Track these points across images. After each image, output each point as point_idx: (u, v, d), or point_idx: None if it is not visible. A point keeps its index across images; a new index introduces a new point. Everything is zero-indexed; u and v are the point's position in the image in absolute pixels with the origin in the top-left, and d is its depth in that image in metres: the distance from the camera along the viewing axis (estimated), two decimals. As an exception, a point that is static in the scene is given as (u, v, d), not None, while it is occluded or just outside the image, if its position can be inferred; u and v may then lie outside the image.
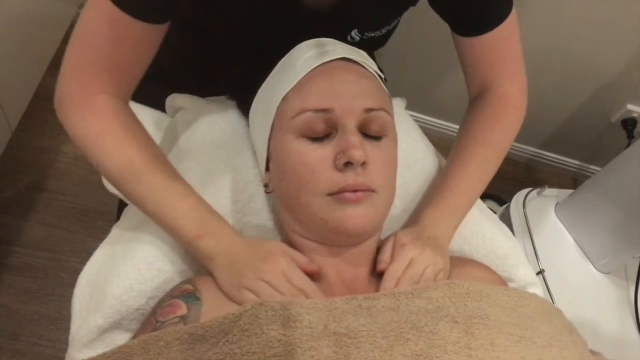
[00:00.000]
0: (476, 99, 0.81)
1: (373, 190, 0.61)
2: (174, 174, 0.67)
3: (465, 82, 0.83)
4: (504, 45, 0.78)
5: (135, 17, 0.62)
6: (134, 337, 0.58)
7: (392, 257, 0.65)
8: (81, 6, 1.68)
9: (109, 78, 0.65)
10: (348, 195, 0.60)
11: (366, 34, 0.74)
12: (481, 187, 0.76)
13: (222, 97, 0.87)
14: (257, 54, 0.77)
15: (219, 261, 0.63)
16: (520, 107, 0.81)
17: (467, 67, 0.81)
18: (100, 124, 0.65)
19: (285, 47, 0.71)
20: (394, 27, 0.78)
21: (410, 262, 0.64)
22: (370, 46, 0.79)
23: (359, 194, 0.60)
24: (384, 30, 0.76)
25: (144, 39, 0.65)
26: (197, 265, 0.69)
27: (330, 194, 0.60)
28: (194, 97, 0.85)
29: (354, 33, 0.74)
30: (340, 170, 0.60)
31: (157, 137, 0.84)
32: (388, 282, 0.62)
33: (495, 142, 0.78)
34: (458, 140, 0.80)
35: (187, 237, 0.64)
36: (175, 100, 0.84)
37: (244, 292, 0.60)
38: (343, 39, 0.73)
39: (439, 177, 0.79)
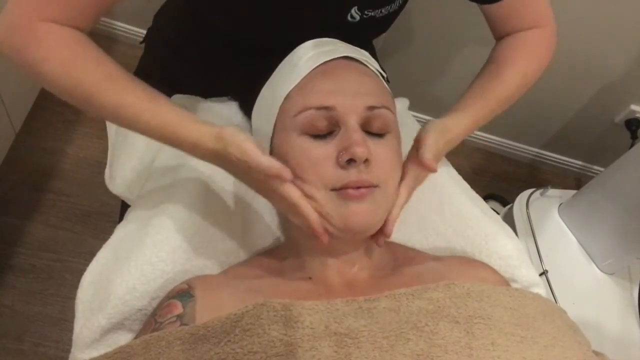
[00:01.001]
0: (506, 37, 0.82)
1: (376, 186, 0.61)
2: (123, 91, 0.64)
3: (490, 29, 0.84)
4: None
5: None
6: (136, 338, 0.58)
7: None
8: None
9: (57, 6, 0.62)
10: (351, 191, 0.60)
11: (366, 12, 0.74)
12: (506, 106, 0.78)
13: (224, 98, 0.88)
14: (256, 42, 0.76)
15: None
16: (553, 45, 0.84)
17: (499, 27, 0.82)
18: (41, 51, 0.61)
19: (284, 31, 0.71)
20: (395, 12, 0.77)
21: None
22: (370, 28, 0.79)
23: (362, 190, 0.60)
24: (384, 11, 0.75)
25: None
26: (200, 264, 0.69)
27: (334, 190, 0.61)
28: (197, 98, 0.85)
29: (354, 11, 0.73)
30: (343, 167, 0.60)
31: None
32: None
33: (530, 70, 0.80)
34: (488, 63, 0.81)
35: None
36: (177, 101, 0.84)
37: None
38: (343, 18, 0.73)
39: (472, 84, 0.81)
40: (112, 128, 0.86)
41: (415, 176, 0.68)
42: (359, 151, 0.59)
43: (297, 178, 0.62)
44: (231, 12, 0.73)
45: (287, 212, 0.64)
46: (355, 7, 0.73)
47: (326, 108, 0.62)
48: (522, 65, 0.79)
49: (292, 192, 0.61)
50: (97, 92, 0.63)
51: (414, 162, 0.68)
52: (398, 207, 0.66)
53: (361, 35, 0.74)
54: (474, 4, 0.79)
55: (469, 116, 0.74)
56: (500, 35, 0.83)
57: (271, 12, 0.72)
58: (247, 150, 0.59)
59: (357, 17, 0.74)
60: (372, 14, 0.74)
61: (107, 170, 0.85)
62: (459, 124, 0.73)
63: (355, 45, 0.72)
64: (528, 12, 0.80)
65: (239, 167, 0.61)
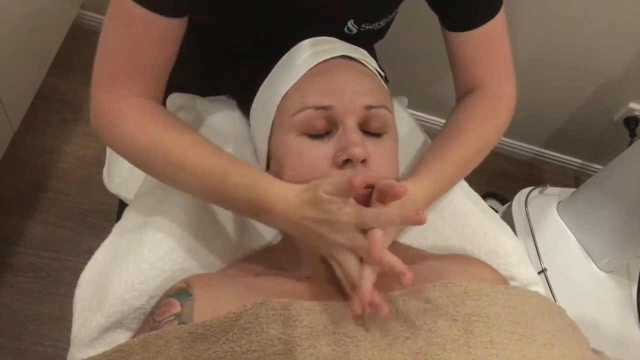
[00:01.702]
0: (468, 94, 0.79)
1: (371, 186, 0.61)
2: (210, 154, 0.64)
3: (454, 80, 0.81)
4: (496, 43, 0.76)
5: (152, 10, 0.61)
6: (134, 337, 0.58)
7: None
8: (83, 6, 1.69)
9: (133, 81, 0.65)
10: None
11: (363, 25, 0.74)
12: (466, 171, 0.74)
13: (222, 97, 0.88)
14: (255, 49, 0.77)
15: (288, 231, 0.61)
16: (512, 110, 0.78)
17: (458, 65, 0.78)
18: (128, 125, 0.64)
19: (282, 40, 0.71)
20: (392, 20, 0.77)
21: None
22: (368, 40, 0.78)
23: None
24: (382, 23, 0.75)
25: (163, 35, 0.65)
26: (198, 263, 0.69)
27: None
28: (195, 97, 0.85)
29: (351, 24, 0.73)
30: (339, 167, 0.60)
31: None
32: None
33: (487, 135, 0.75)
34: (447, 127, 0.77)
35: (250, 217, 0.65)
36: (176, 99, 0.84)
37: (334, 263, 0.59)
38: (340, 30, 0.73)
39: (425, 152, 0.75)
40: None
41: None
42: (357, 151, 0.59)
43: (295, 178, 0.62)
44: (230, 26, 0.73)
45: (338, 267, 0.59)
46: (352, 21, 0.73)
47: (324, 107, 0.62)
48: (478, 130, 0.74)
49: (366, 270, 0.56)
50: (186, 158, 0.63)
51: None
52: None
53: (359, 45, 0.74)
54: None
55: (428, 184, 0.67)
56: (461, 90, 0.80)
57: (270, 28, 0.72)
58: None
59: (354, 30, 0.74)
60: (370, 27, 0.74)
61: (105, 170, 0.85)
62: (415, 190, 0.65)
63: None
64: (492, 60, 0.77)
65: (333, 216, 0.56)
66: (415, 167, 0.71)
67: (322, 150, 0.62)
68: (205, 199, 0.68)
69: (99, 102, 0.65)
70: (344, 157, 0.59)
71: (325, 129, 0.63)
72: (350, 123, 0.62)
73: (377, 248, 0.54)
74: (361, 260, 0.57)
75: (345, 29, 0.74)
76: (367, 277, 0.55)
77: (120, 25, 0.64)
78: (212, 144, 0.66)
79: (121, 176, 0.82)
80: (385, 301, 0.55)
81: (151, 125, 0.65)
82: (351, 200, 0.57)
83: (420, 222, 0.54)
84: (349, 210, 0.56)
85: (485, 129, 0.75)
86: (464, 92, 0.80)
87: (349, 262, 0.57)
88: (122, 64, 0.65)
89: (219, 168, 0.62)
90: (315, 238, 0.58)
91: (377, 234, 0.56)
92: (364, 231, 0.57)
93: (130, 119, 0.64)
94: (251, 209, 0.61)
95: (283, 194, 0.59)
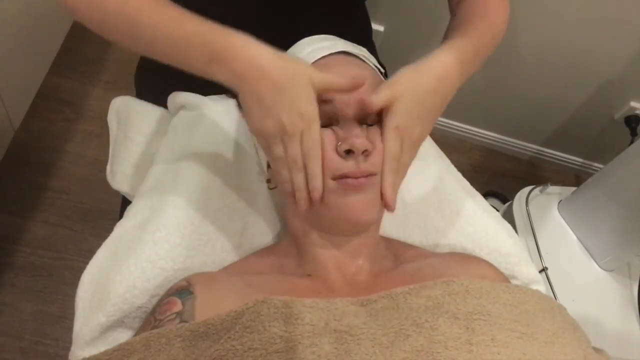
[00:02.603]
0: (458, 4, 0.77)
1: (375, 174, 0.61)
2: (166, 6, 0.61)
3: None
4: None
5: None
6: (135, 335, 0.58)
7: (383, 140, 0.61)
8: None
9: None
10: (351, 181, 0.60)
11: None
12: (484, 54, 0.72)
13: (222, 96, 0.88)
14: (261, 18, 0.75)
15: (238, 86, 0.59)
16: (507, 21, 0.77)
17: None
18: None
19: (283, 25, 0.70)
20: None
21: (401, 152, 0.61)
22: None
23: (362, 180, 0.60)
24: None
25: None
26: (200, 262, 0.69)
27: (334, 179, 0.60)
28: (196, 96, 0.85)
29: None
30: (341, 156, 0.60)
31: (160, 135, 0.84)
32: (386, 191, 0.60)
33: (499, 22, 0.74)
34: (457, 19, 0.75)
35: (200, 69, 0.60)
36: (177, 98, 0.84)
37: (261, 139, 0.60)
38: None
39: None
40: (113, 123, 0.86)
41: (393, 126, 0.61)
42: (358, 142, 0.59)
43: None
44: (233, 12, 0.73)
45: (289, 164, 0.59)
46: None
47: (324, 102, 0.62)
48: (492, 19, 0.74)
49: (319, 139, 0.57)
50: (143, 8, 0.60)
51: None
52: (388, 163, 0.60)
53: None
54: None
55: (447, 52, 0.64)
56: (454, 1, 0.79)
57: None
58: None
59: None
60: None
61: (108, 166, 0.85)
62: (431, 62, 0.63)
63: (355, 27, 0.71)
64: None
65: (287, 88, 0.56)
66: (439, 47, 0.67)
67: (325, 136, 0.61)
68: (157, 53, 0.62)
69: None
70: (345, 147, 0.59)
71: (324, 124, 0.63)
72: (350, 117, 0.62)
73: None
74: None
75: None
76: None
77: None
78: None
79: (123, 172, 0.83)
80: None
81: None
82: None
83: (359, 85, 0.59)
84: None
85: (495, 18, 0.74)
86: (456, 3, 0.79)
87: (295, 150, 0.58)
88: None
89: (177, 15, 0.60)
90: (258, 102, 0.57)
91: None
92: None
93: None
94: (204, 55, 0.58)
95: (258, 50, 0.57)
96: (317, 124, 0.58)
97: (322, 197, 0.60)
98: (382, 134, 0.61)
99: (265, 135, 0.59)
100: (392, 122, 0.60)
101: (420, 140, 0.63)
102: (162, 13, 0.60)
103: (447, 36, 0.73)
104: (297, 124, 0.57)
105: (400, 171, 0.62)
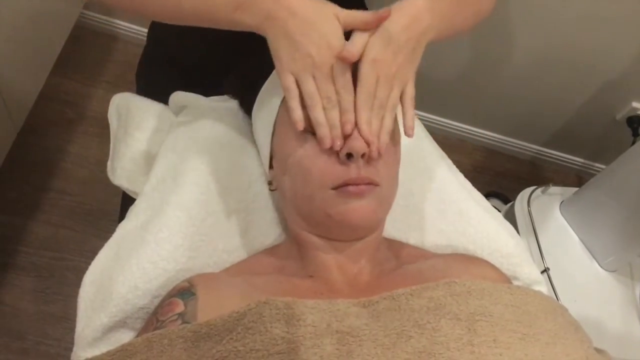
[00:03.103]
0: None
1: (377, 184, 0.61)
2: None
3: None
4: None
5: None
6: (137, 336, 0.58)
7: (359, 75, 0.60)
8: (85, 6, 1.69)
9: None
10: (352, 188, 0.60)
11: None
12: (459, 14, 0.71)
13: (224, 97, 0.88)
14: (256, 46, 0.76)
15: (265, 28, 0.60)
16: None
17: None
18: None
19: None
20: None
21: (377, 85, 0.60)
22: None
23: (362, 187, 0.60)
24: None
25: None
26: (201, 263, 0.70)
27: (334, 188, 0.61)
28: (197, 96, 0.85)
29: None
30: (342, 162, 0.60)
31: (161, 131, 0.85)
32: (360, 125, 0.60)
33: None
34: None
35: (226, 18, 0.61)
36: (178, 98, 0.85)
37: (288, 79, 0.60)
38: None
39: None
40: (113, 119, 0.86)
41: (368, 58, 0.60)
42: (357, 145, 0.59)
43: (298, 176, 0.62)
44: None
45: (319, 98, 0.59)
46: None
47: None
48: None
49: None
50: None
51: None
52: (363, 93, 0.59)
53: None
54: None
55: None
56: None
57: None
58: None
59: None
60: None
61: (109, 163, 0.85)
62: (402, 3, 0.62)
63: None
64: None
65: (316, 23, 0.57)
66: None
67: (322, 155, 0.62)
68: (184, 12, 0.64)
69: None
70: (345, 151, 0.60)
71: None
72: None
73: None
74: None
75: None
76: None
77: None
78: None
79: (124, 168, 0.83)
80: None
81: None
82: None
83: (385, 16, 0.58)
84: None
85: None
86: None
87: (310, 83, 0.59)
88: None
89: None
90: (282, 42, 0.59)
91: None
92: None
93: None
94: (231, 3, 0.60)
95: None
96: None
97: (323, 207, 0.61)
98: (358, 71, 0.60)
99: (296, 72, 0.59)
100: (367, 55, 0.59)
101: (399, 79, 0.61)
102: None
103: None
104: (327, 56, 0.58)
105: (377, 108, 0.60)
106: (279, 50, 0.60)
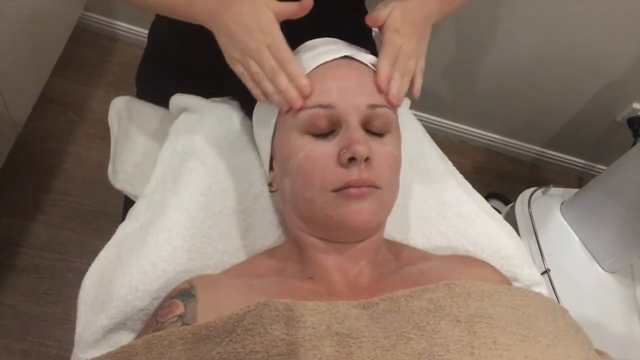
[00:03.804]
0: None
1: (378, 187, 0.61)
2: None
3: None
4: None
5: None
6: (137, 338, 0.58)
7: (384, 40, 0.67)
8: (86, 8, 1.69)
9: None
10: (353, 190, 0.60)
11: None
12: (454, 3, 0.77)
13: (225, 98, 0.88)
14: None
15: (211, 26, 0.66)
16: None
17: None
18: None
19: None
20: None
21: (399, 51, 0.67)
22: None
23: (364, 189, 0.60)
24: None
25: None
26: (201, 264, 0.70)
27: (335, 190, 0.61)
28: (198, 98, 0.85)
29: None
30: (344, 166, 0.60)
31: (161, 135, 0.85)
32: (382, 75, 0.65)
33: None
34: None
35: (183, 13, 0.68)
36: (179, 100, 0.85)
37: (237, 66, 0.66)
38: None
39: None
40: (114, 123, 0.86)
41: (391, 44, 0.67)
42: (360, 149, 0.59)
43: (299, 178, 0.62)
44: None
45: (270, 74, 0.64)
46: None
47: (327, 107, 0.62)
48: None
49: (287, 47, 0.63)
50: None
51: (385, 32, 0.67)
52: (388, 58, 0.66)
53: None
54: None
55: None
56: None
57: None
58: None
59: None
60: None
61: (110, 167, 0.85)
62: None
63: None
64: None
65: (245, 11, 0.62)
66: None
67: (326, 149, 0.62)
68: (150, 5, 0.71)
69: None
70: (347, 156, 0.60)
71: (328, 128, 0.63)
72: (353, 122, 0.62)
73: None
74: None
75: None
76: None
77: None
78: None
79: (126, 172, 0.83)
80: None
81: None
82: None
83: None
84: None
85: None
86: None
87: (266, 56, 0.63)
88: None
89: None
90: (233, 30, 0.64)
91: None
92: None
93: None
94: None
95: None
96: (280, 37, 0.63)
97: (323, 209, 0.61)
98: (382, 40, 0.67)
99: (239, 58, 0.65)
100: (391, 25, 0.67)
101: (416, 52, 0.69)
102: None
103: None
104: (260, 38, 0.63)
105: (399, 70, 0.66)
106: (222, 43, 0.66)
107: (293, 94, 0.63)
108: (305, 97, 0.63)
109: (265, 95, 0.65)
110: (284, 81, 0.63)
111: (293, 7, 0.64)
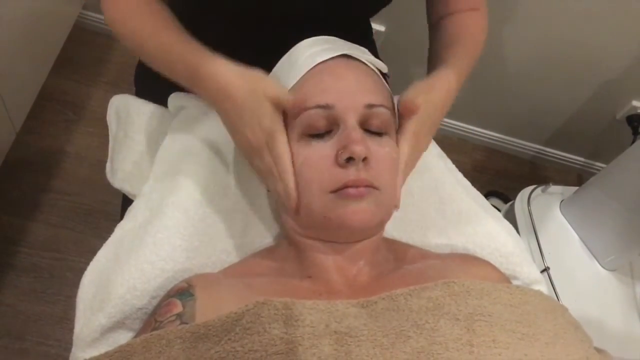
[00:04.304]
0: (446, 18, 0.82)
1: (376, 188, 0.61)
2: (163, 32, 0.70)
3: (427, 9, 0.86)
4: None
5: None
6: (135, 337, 0.58)
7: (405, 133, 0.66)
8: (85, 7, 1.69)
9: None
10: (351, 191, 0.60)
11: None
12: (468, 72, 0.77)
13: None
14: (258, 41, 0.76)
15: (214, 110, 0.67)
16: (486, 32, 0.83)
17: (439, 7, 0.83)
18: (122, 11, 0.72)
19: (285, 30, 0.71)
20: None
21: (409, 155, 0.66)
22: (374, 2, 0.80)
23: (362, 189, 0.60)
24: None
25: None
26: (200, 263, 0.69)
27: (333, 191, 0.60)
28: (197, 97, 0.85)
29: None
30: (342, 166, 0.60)
31: (160, 134, 0.84)
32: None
33: (480, 43, 0.80)
34: (442, 40, 0.80)
35: (190, 89, 0.69)
36: (177, 99, 0.84)
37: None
38: None
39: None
40: (113, 122, 0.86)
41: (412, 130, 0.66)
42: (358, 149, 0.59)
43: (297, 178, 0.62)
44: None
45: (267, 175, 0.64)
46: None
47: (325, 106, 0.62)
48: (475, 38, 0.80)
49: (285, 148, 0.62)
50: (147, 35, 0.71)
51: (404, 116, 0.66)
52: (402, 165, 0.65)
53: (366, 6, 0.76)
54: None
55: (450, 71, 0.71)
56: (437, 17, 0.84)
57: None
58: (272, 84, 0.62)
59: None
60: None
61: (108, 165, 0.85)
62: (441, 79, 0.69)
63: (356, 32, 0.72)
64: None
65: (246, 105, 0.61)
66: (434, 69, 0.73)
67: (324, 150, 0.62)
68: (160, 68, 0.71)
69: None
70: (345, 156, 0.59)
71: (326, 128, 0.63)
72: (351, 121, 0.62)
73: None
74: None
75: None
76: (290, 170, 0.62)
77: None
78: (177, 28, 0.71)
79: (124, 170, 0.83)
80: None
81: (144, 15, 0.71)
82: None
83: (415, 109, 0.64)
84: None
85: (478, 36, 0.80)
86: (437, 17, 0.84)
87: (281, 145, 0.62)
88: None
89: (171, 39, 0.69)
90: (233, 120, 0.64)
91: None
92: None
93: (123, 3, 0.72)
94: (188, 79, 0.67)
95: (222, 70, 0.63)
96: (279, 134, 0.62)
97: (322, 211, 0.61)
98: (400, 135, 0.66)
99: (241, 150, 0.67)
100: (411, 127, 0.66)
101: (422, 153, 0.70)
102: (158, 43, 0.70)
103: (438, 54, 0.79)
104: (261, 137, 0.62)
105: (403, 174, 0.66)
106: (226, 128, 0.67)
107: (289, 200, 0.63)
108: (291, 208, 0.63)
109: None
110: (279, 185, 0.63)
111: (290, 101, 0.62)
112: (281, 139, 0.62)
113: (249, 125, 0.62)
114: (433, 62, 0.79)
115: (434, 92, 0.67)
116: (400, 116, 0.67)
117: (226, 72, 0.63)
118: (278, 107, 0.63)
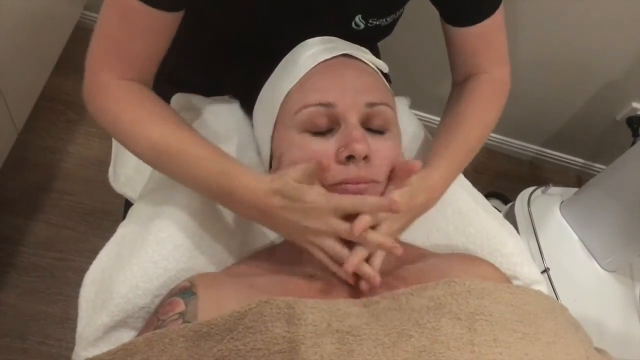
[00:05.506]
0: (467, 81, 0.81)
1: (377, 182, 0.62)
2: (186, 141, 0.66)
3: (451, 66, 0.84)
4: (495, 35, 0.78)
5: (146, 3, 0.62)
6: (138, 335, 0.58)
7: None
8: (86, 7, 1.69)
9: (122, 66, 0.67)
10: (350, 187, 0.60)
11: (371, 21, 0.74)
12: (471, 158, 0.78)
13: (225, 97, 0.88)
14: (260, 45, 0.77)
15: (257, 221, 0.66)
16: (507, 94, 0.81)
17: (457, 55, 0.80)
18: (115, 105, 0.67)
19: (287, 37, 0.71)
20: (399, 16, 0.78)
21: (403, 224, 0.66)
22: (375, 35, 0.79)
23: (361, 185, 0.61)
24: (389, 19, 0.75)
25: (156, 27, 0.66)
26: (202, 262, 0.70)
27: (332, 185, 0.61)
28: (198, 97, 0.86)
29: (358, 19, 0.73)
30: (342, 163, 0.61)
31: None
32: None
33: (490, 122, 0.78)
34: (451, 115, 0.79)
35: (226, 206, 0.68)
36: (179, 100, 0.85)
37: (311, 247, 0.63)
38: (347, 26, 0.73)
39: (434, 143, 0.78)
40: None
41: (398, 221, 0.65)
42: (359, 148, 0.59)
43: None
44: (233, 21, 0.73)
45: (317, 250, 0.63)
46: (359, 16, 0.73)
47: (326, 105, 0.62)
48: (482, 117, 0.77)
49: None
50: (165, 144, 0.65)
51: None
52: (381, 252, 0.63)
53: (366, 41, 0.74)
54: None
55: (444, 170, 0.71)
56: (460, 76, 0.82)
57: (276, 24, 0.72)
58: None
59: (362, 25, 0.74)
60: (377, 22, 0.75)
61: (110, 169, 0.85)
62: (431, 177, 0.69)
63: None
64: (492, 50, 0.79)
65: (294, 205, 0.59)
66: (428, 157, 0.73)
67: (325, 147, 0.62)
68: (182, 182, 0.68)
69: (89, 80, 0.69)
70: (346, 154, 0.60)
71: (327, 126, 0.63)
72: (352, 120, 0.62)
73: (359, 225, 0.58)
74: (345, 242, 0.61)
75: (353, 24, 0.74)
76: (355, 252, 0.60)
77: (117, 14, 0.65)
78: (191, 130, 0.68)
79: (126, 175, 0.83)
80: (375, 273, 0.60)
81: (137, 109, 0.67)
82: (317, 186, 0.60)
83: (395, 210, 0.59)
84: (317, 196, 0.59)
85: (487, 117, 0.78)
86: (462, 78, 0.82)
87: (331, 244, 0.60)
88: (114, 49, 0.67)
89: (193, 154, 0.64)
90: (287, 225, 0.61)
91: (364, 217, 0.59)
92: (349, 218, 0.60)
93: (118, 100, 0.67)
94: (222, 196, 0.64)
95: (252, 184, 0.61)
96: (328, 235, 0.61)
97: None
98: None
99: (303, 244, 0.64)
100: (386, 229, 0.63)
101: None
102: (176, 149, 0.65)
103: (439, 136, 0.77)
104: (321, 234, 0.61)
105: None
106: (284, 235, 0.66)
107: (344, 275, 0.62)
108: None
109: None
110: (337, 247, 0.61)
111: (311, 167, 0.60)
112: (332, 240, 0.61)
113: (302, 231, 0.61)
114: (438, 132, 0.78)
115: (416, 198, 0.65)
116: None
117: (258, 187, 0.61)
118: (310, 177, 0.60)
